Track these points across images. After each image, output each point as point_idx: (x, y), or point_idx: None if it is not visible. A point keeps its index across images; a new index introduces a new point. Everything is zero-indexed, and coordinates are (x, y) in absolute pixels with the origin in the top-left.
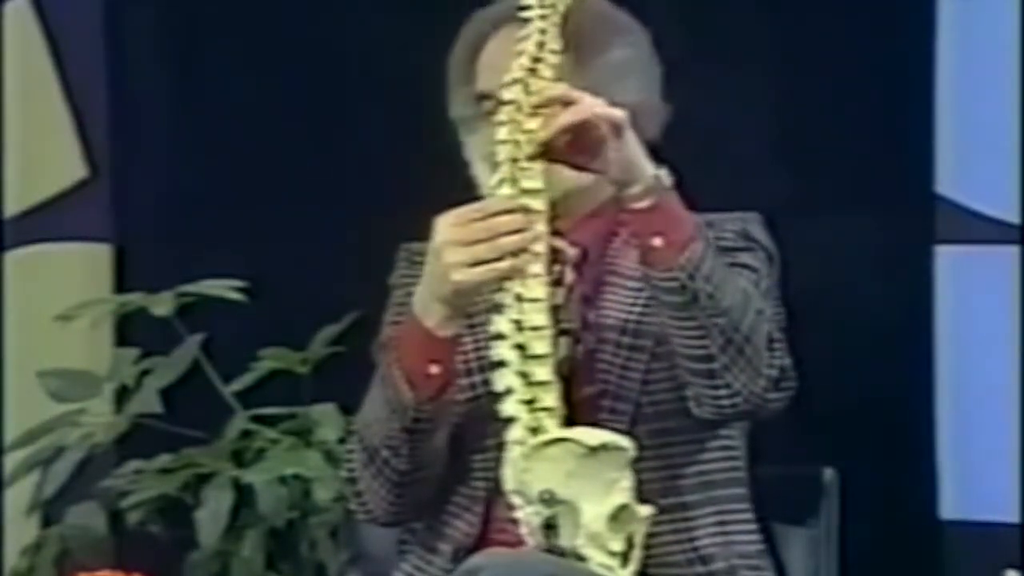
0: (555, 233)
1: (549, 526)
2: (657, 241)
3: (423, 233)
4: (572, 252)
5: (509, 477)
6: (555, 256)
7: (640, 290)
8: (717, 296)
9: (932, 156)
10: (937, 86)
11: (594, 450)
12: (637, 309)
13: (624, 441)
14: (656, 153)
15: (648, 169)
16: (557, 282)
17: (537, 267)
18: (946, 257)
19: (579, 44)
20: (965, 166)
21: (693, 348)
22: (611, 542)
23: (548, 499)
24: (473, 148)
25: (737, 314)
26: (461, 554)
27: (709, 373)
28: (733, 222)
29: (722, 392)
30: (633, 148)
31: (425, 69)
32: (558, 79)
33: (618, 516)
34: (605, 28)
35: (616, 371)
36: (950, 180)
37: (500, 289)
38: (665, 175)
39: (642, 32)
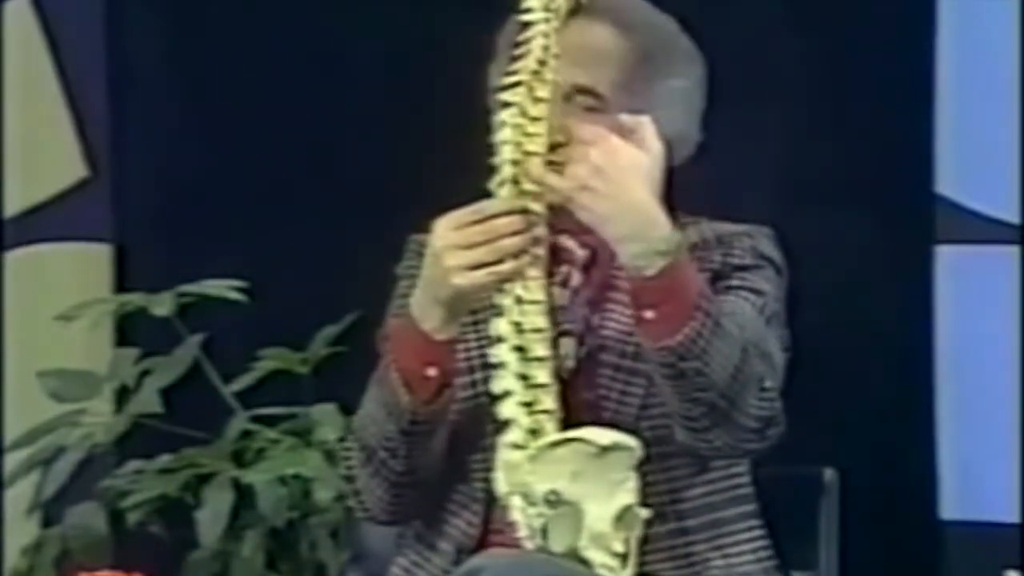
0: (564, 231)
1: (545, 529)
2: (649, 314)
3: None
4: (581, 253)
5: (502, 480)
6: (563, 257)
7: None
8: (706, 372)
9: (932, 156)
10: (937, 86)
11: (604, 450)
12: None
13: (632, 441)
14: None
15: (660, 230)
16: (563, 283)
17: (537, 270)
18: (946, 257)
19: (647, 64)
20: (965, 166)
21: (677, 407)
22: (615, 543)
23: (554, 500)
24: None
25: (725, 384)
26: (463, 555)
27: (691, 430)
28: (744, 237)
29: (702, 445)
30: (645, 204)
31: (426, 68)
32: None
33: (623, 517)
34: (673, 53)
35: (615, 395)
36: (950, 180)
37: (500, 291)
38: (678, 236)
39: (702, 63)
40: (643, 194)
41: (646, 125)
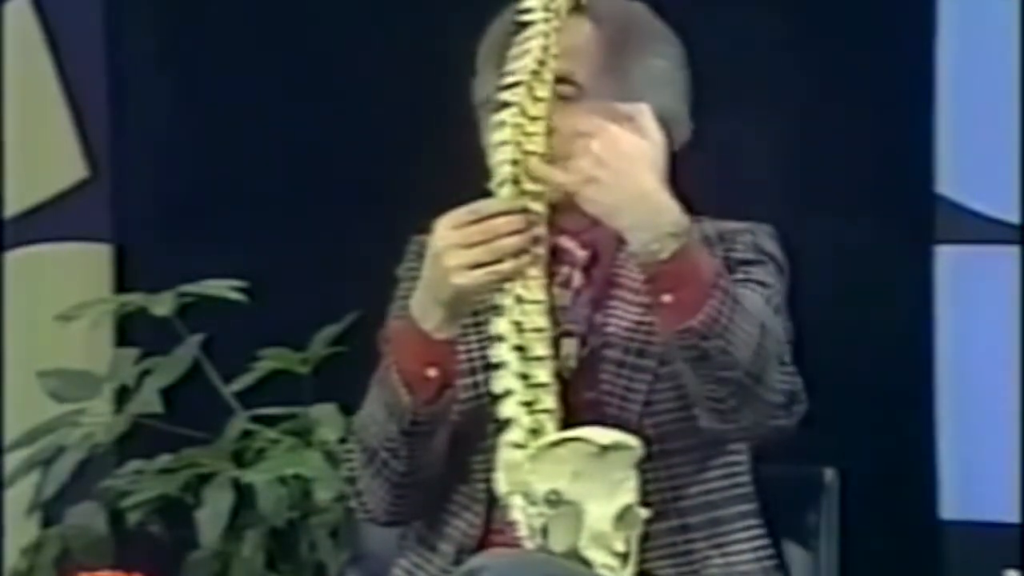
0: (564, 232)
1: (546, 529)
2: (668, 298)
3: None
4: (581, 254)
5: (502, 479)
6: (563, 258)
7: (647, 307)
8: (730, 350)
9: (932, 156)
10: (937, 86)
11: (605, 449)
12: (643, 328)
13: (632, 440)
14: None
15: (669, 214)
16: (565, 284)
17: (537, 269)
18: (946, 257)
19: (620, 49)
20: (965, 166)
21: (702, 390)
22: (615, 542)
23: (554, 500)
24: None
25: (749, 361)
26: (464, 555)
27: (719, 412)
28: (746, 233)
29: (729, 427)
30: (652, 190)
31: (426, 68)
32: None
33: (623, 516)
34: (646, 35)
35: (619, 392)
36: (950, 180)
37: (501, 291)
38: (686, 220)
39: (679, 44)
40: (648, 181)
41: (644, 112)
